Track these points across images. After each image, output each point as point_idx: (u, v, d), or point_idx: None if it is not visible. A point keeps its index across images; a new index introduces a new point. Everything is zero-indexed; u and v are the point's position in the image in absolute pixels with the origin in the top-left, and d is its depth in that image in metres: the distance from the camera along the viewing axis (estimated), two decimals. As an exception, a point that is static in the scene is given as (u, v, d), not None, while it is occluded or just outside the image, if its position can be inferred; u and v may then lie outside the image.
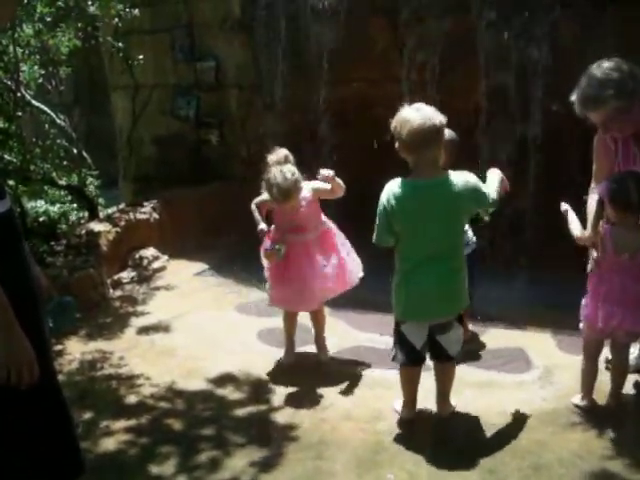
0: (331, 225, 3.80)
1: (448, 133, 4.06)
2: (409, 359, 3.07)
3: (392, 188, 2.92)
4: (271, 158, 3.61)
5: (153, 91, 6.79)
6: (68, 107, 7.54)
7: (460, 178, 2.88)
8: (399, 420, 3.16)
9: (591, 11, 4.74)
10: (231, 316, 4.62)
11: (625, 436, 2.97)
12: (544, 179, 5.05)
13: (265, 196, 3.66)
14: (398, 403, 3.21)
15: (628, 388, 3.29)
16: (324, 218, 3.77)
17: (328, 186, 3.60)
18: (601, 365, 3.53)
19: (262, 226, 3.74)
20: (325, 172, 3.55)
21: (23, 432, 2.07)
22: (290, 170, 3.49)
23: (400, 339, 3.06)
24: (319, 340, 3.88)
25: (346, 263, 3.72)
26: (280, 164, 3.54)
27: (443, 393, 3.15)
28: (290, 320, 3.87)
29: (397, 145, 2.87)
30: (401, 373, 3.16)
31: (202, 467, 2.92)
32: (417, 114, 2.81)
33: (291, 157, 3.65)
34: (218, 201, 6.15)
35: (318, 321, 3.86)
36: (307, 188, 3.62)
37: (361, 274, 3.76)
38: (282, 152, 3.65)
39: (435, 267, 2.91)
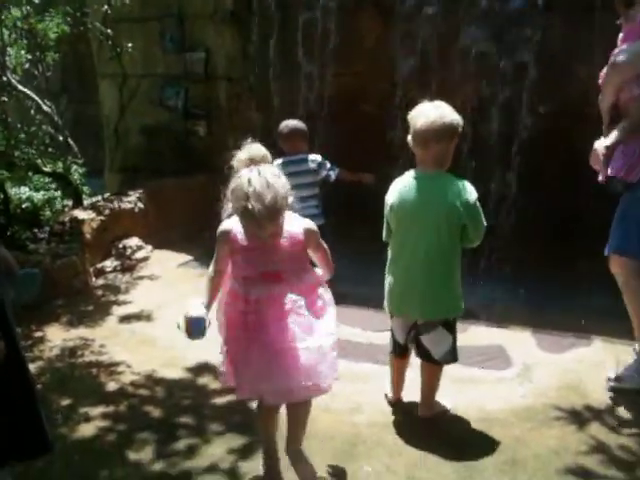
0: (322, 282, 2.69)
1: (296, 123, 4.63)
2: (394, 350, 3.17)
3: (395, 183, 3.01)
4: (239, 157, 2.47)
5: (141, 80, 6.74)
6: (55, 94, 7.48)
7: (464, 185, 2.87)
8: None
9: (579, 15, 4.77)
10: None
11: (602, 433, 2.99)
12: (528, 181, 5.09)
13: (228, 225, 2.50)
14: (388, 386, 3.27)
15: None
16: (315, 272, 2.63)
17: (324, 245, 2.62)
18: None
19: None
20: None
21: None
22: (274, 173, 2.35)
23: (391, 331, 3.16)
24: (293, 445, 2.64)
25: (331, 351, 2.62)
26: (256, 164, 2.40)
27: (424, 394, 3.13)
28: (266, 419, 2.66)
29: (409, 137, 2.91)
30: (389, 358, 3.23)
31: (180, 454, 2.91)
32: (434, 110, 2.84)
33: (269, 157, 2.51)
34: (204, 192, 6.09)
35: (297, 418, 2.63)
36: (299, 223, 2.52)
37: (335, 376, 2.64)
38: (258, 149, 2.50)
39: (415, 265, 2.92)
